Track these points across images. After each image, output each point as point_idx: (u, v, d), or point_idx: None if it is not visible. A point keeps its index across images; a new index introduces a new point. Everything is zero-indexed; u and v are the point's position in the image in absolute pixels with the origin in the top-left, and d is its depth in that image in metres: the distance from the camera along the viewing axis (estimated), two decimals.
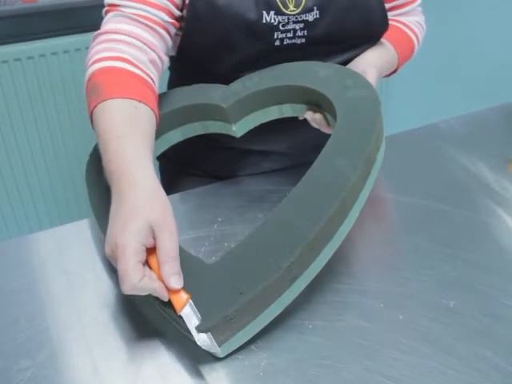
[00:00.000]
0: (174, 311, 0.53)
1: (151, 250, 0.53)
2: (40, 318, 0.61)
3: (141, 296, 0.54)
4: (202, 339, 0.52)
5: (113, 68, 0.67)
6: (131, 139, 0.59)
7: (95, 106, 0.63)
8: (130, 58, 0.68)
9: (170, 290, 0.53)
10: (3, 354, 0.57)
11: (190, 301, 0.53)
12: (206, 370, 0.55)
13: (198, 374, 0.54)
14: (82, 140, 1.53)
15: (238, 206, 0.79)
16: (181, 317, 0.53)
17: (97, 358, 0.56)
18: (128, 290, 0.50)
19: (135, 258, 0.50)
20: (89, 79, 0.67)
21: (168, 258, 0.51)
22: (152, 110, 0.65)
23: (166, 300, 0.53)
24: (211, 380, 0.54)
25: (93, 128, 0.65)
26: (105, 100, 0.62)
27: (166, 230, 0.52)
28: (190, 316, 0.52)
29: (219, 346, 0.53)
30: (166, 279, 0.52)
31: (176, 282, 0.52)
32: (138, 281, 0.49)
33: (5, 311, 0.62)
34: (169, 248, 0.51)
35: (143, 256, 0.51)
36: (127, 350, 0.57)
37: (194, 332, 0.52)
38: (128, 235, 0.50)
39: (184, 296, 0.53)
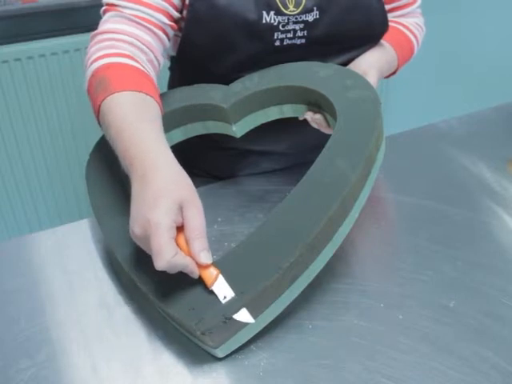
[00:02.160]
0: (205, 287, 0.54)
1: (178, 229, 0.53)
2: (40, 317, 0.61)
3: (141, 296, 0.54)
4: (240, 313, 0.52)
5: (117, 63, 0.67)
6: (147, 126, 0.60)
7: (103, 99, 0.63)
8: (131, 55, 0.69)
9: (199, 266, 0.53)
10: (3, 354, 0.57)
11: (220, 275, 0.54)
12: (205, 369, 0.55)
13: (198, 374, 0.54)
14: (82, 140, 1.53)
15: (238, 205, 0.79)
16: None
17: (97, 357, 0.56)
18: (162, 265, 0.50)
19: (168, 234, 0.51)
20: (92, 75, 0.68)
21: (197, 235, 0.52)
22: (158, 103, 0.66)
23: (197, 276, 0.54)
24: (211, 380, 0.54)
25: (99, 122, 0.66)
26: (113, 93, 0.63)
27: (195, 208, 0.53)
28: (222, 290, 0.53)
29: (218, 348, 0.54)
30: (196, 255, 0.52)
31: (206, 257, 0.53)
32: (172, 256, 0.50)
33: (5, 311, 0.62)
34: (197, 225, 0.52)
35: (174, 233, 0.52)
36: (127, 350, 0.57)
37: (223, 302, 0.53)
38: (160, 212, 0.51)
39: (214, 271, 0.54)
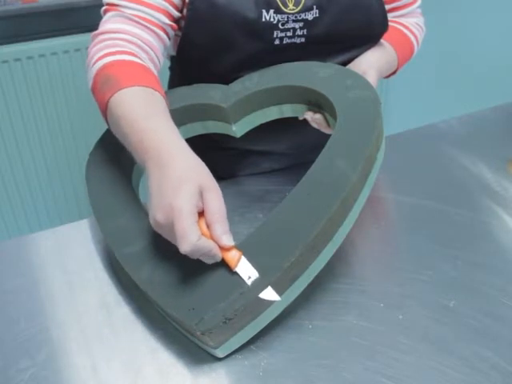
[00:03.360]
0: (229, 269, 0.54)
1: (198, 215, 0.54)
2: (40, 317, 0.61)
3: (141, 296, 0.54)
4: (266, 291, 0.53)
5: (121, 61, 0.68)
6: (159, 118, 0.61)
7: (111, 96, 0.64)
8: (134, 52, 0.70)
9: (222, 249, 0.54)
10: (3, 354, 0.57)
11: (243, 256, 0.54)
12: (205, 370, 0.55)
13: (198, 374, 0.54)
14: (82, 140, 1.54)
15: (238, 206, 0.79)
16: (212, 291, 0.54)
17: (97, 357, 0.56)
18: (187, 248, 0.51)
19: (192, 218, 0.51)
20: (97, 73, 0.68)
21: (218, 218, 0.53)
22: (165, 99, 0.67)
23: (220, 259, 0.54)
24: (211, 380, 0.54)
25: (106, 119, 0.67)
26: (122, 89, 0.64)
27: (215, 192, 0.54)
28: (246, 271, 0.54)
29: (218, 348, 0.53)
30: (218, 238, 0.53)
31: (228, 239, 0.54)
32: (197, 239, 0.51)
33: (5, 311, 0.62)
34: (218, 208, 0.53)
35: (197, 218, 0.52)
36: (127, 350, 0.57)
37: (249, 283, 0.53)
38: (182, 198, 0.52)
39: (236, 253, 0.54)
